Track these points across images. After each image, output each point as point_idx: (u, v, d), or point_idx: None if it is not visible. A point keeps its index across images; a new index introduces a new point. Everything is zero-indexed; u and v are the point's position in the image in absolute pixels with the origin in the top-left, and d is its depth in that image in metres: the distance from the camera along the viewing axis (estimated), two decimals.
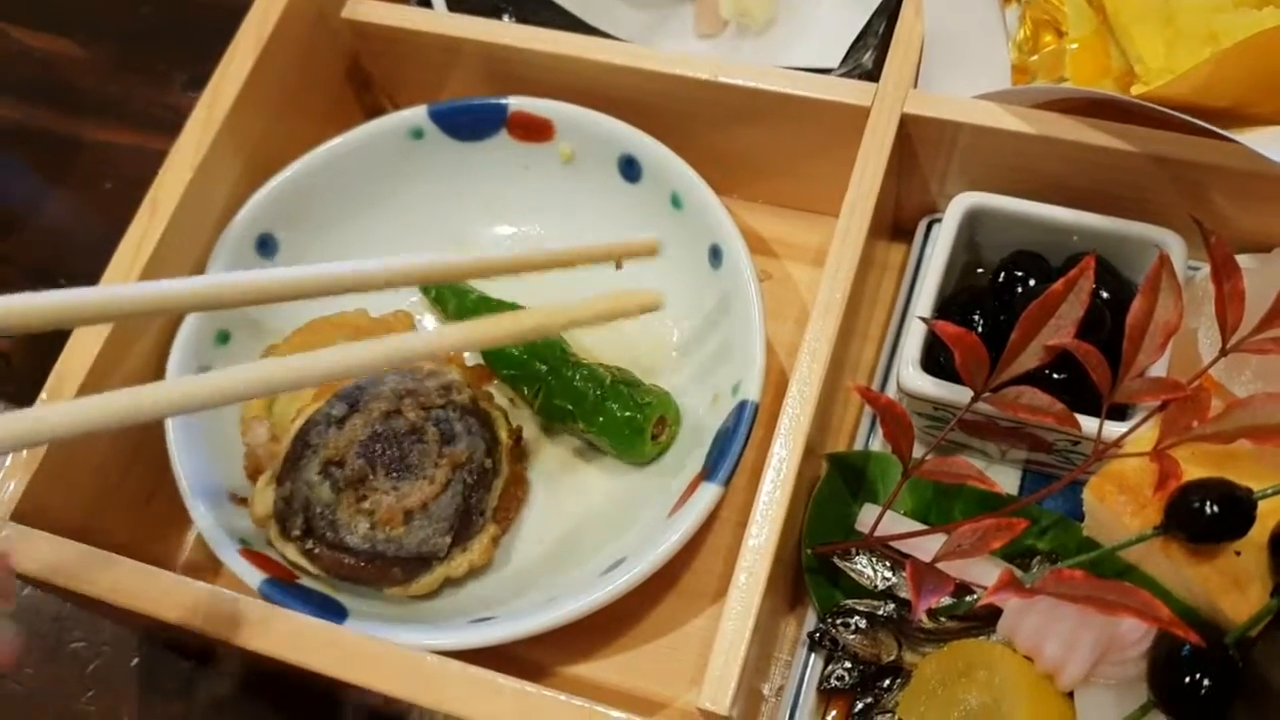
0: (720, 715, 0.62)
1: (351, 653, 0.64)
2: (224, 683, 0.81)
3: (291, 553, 0.73)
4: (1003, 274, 0.74)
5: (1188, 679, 0.60)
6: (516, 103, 0.85)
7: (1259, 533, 0.61)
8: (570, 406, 0.79)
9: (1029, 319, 0.66)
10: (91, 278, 0.77)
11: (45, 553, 0.69)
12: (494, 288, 0.86)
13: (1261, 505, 0.61)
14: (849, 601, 0.71)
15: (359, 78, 0.93)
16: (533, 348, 0.80)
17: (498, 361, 0.81)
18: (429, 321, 0.87)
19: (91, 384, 0.74)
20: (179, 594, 0.67)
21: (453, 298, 0.85)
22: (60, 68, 1.12)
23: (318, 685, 0.77)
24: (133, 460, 0.78)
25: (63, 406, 0.51)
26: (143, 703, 0.81)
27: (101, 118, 1.07)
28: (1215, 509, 0.60)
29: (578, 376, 0.79)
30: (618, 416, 0.77)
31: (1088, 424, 0.66)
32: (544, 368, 0.80)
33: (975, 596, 0.68)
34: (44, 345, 0.76)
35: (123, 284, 0.70)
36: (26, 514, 0.71)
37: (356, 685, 0.64)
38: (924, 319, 0.70)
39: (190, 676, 0.81)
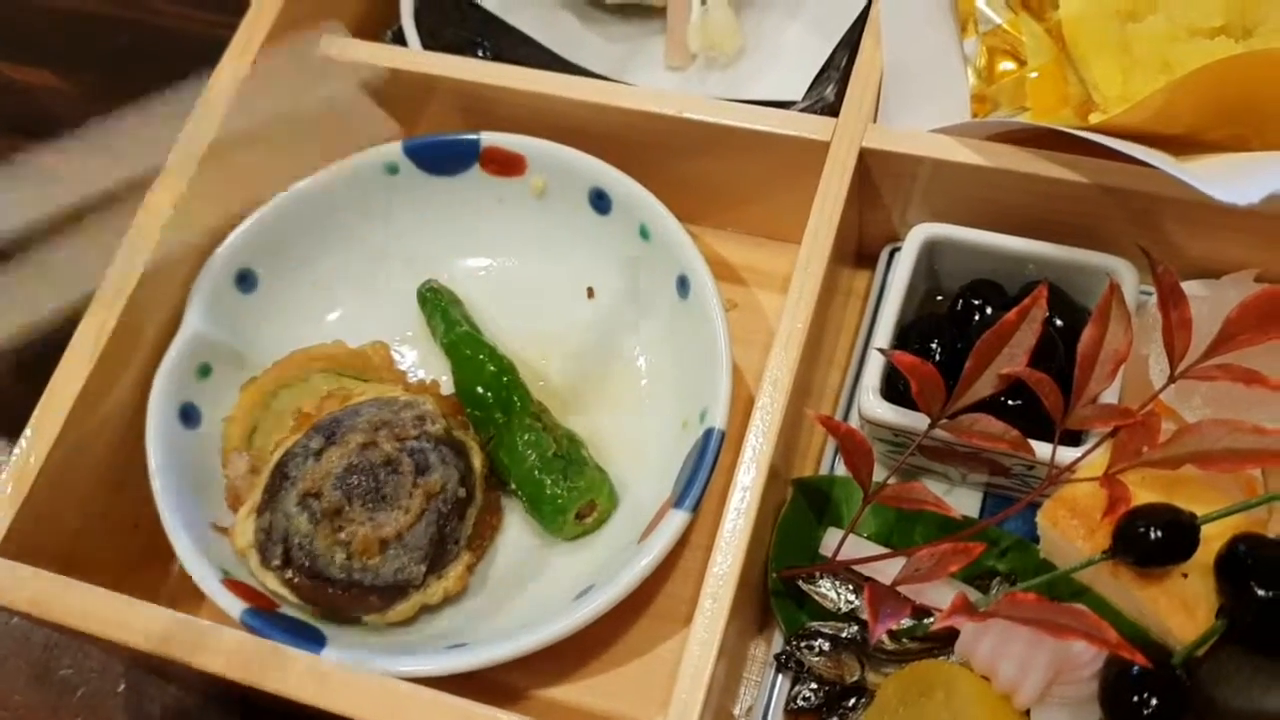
0: None
1: (328, 682, 0.66)
2: (210, 709, 0.82)
3: (271, 582, 0.75)
4: (960, 302, 0.77)
5: (1136, 698, 0.61)
6: (489, 138, 0.87)
7: (1205, 556, 0.63)
8: (508, 465, 0.80)
9: (983, 348, 0.68)
10: (74, 310, 0.78)
11: (29, 586, 0.70)
12: (478, 317, 0.88)
13: (1207, 529, 0.63)
14: (814, 624, 0.73)
15: None
16: (500, 396, 0.81)
17: (466, 400, 0.83)
18: (408, 347, 0.89)
19: (76, 418, 0.75)
20: (158, 625, 0.68)
21: (441, 323, 0.86)
22: (41, 98, 1.13)
23: (303, 712, 0.79)
24: (117, 493, 0.79)
25: None
26: None
27: (82, 148, 1.08)
28: (1160, 534, 0.62)
29: (523, 439, 0.80)
30: (545, 492, 0.79)
31: (1041, 450, 0.68)
32: (501, 418, 0.81)
33: (934, 618, 0.70)
34: (29, 381, 0.78)
35: None
36: (12, 547, 0.72)
37: (333, 713, 0.66)
38: (881, 350, 0.72)
39: (176, 702, 0.83)
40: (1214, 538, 0.63)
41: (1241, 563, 0.62)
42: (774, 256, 0.90)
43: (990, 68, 0.83)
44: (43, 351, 0.77)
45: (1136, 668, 0.61)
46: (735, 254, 0.91)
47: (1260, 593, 0.60)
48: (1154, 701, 0.61)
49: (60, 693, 0.84)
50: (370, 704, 0.65)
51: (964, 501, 0.78)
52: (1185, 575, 0.64)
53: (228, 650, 0.67)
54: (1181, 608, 0.63)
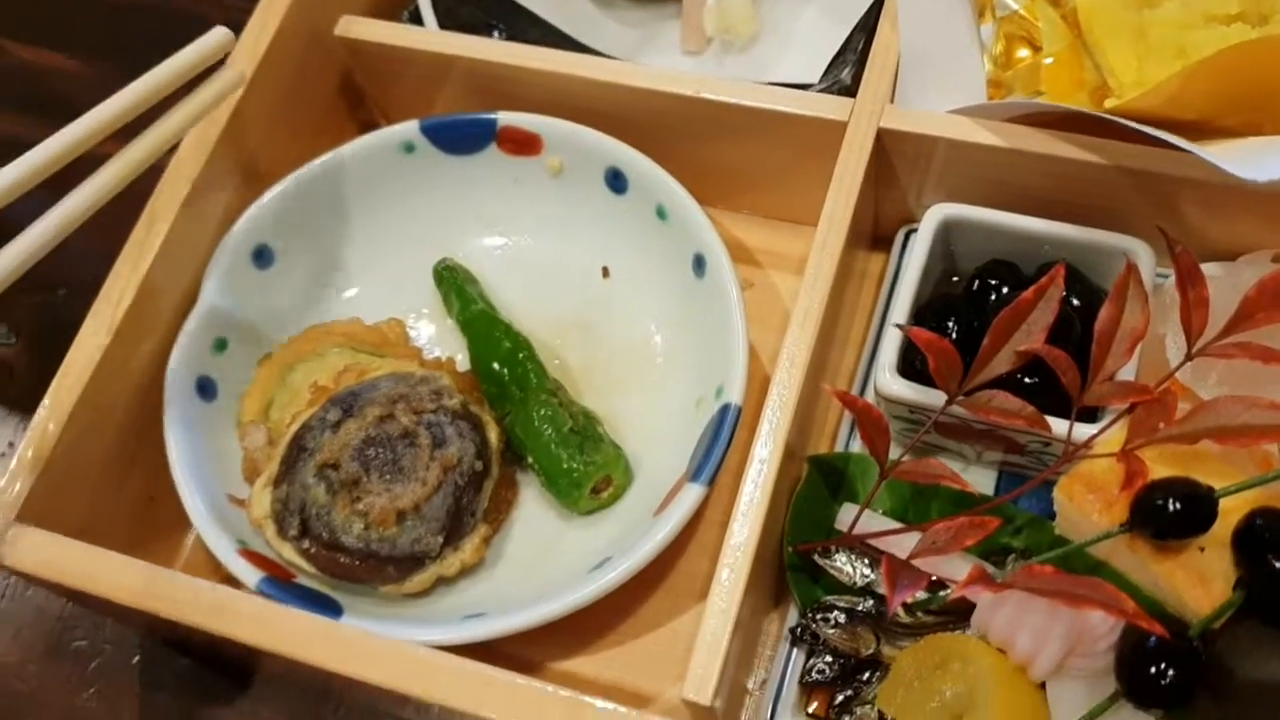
0: (703, 706, 0.64)
1: (347, 646, 0.66)
2: (223, 680, 0.83)
3: (288, 552, 0.75)
4: (977, 282, 0.77)
5: (1153, 670, 0.62)
6: (506, 117, 0.87)
7: (1222, 530, 0.63)
8: (524, 439, 0.81)
9: (1001, 325, 0.68)
10: (92, 287, 0.79)
11: (50, 552, 0.71)
12: (493, 296, 0.89)
13: (1224, 503, 0.63)
14: (829, 598, 0.74)
15: (352, 93, 0.95)
16: (516, 373, 0.82)
17: (482, 376, 0.83)
18: (424, 325, 0.90)
19: (93, 391, 0.76)
20: (180, 591, 0.69)
21: (457, 300, 0.87)
22: (55, 81, 1.13)
23: (315, 682, 0.79)
24: (133, 465, 0.80)
25: None
26: (144, 699, 0.83)
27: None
28: (1178, 506, 0.62)
29: (539, 414, 0.80)
30: (562, 466, 0.79)
31: (1058, 426, 0.69)
32: (518, 393, 0.81)
33: (949, 591, 0.70)
34: (47, 354, 0.78)
35: None
36: (31, 516, 0.72)
37: (352, 679, 0.66)
38: (899, 326, 0.72)
39: (189, 674, 0.83)
40: (1230, 512, 0.63)
41: (1259, 536, 0.62)
42: (790, 239, 0.91)
43: (1008, 54, 0.84)
44: (58, 331, 0.77)
45: (1153, 639, 0.62)
46: (751, 236, 0.92)
47: (1278, 565, 0.61)
48: (1170, 673, 0.61)
49: (75, 664, 0.84)
50: (390, 669, 0.65)
51: (979, 480, 0.79)
52: (1202, 549, 0.64)
53: (248, 616, 0.68)
54: (1198, 581, 0.64)
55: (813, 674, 0.73)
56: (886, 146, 0.80)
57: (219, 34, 0.78)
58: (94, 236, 0.74)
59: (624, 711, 0.63)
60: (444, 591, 0.78)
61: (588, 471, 0.79)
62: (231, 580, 0.73)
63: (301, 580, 0.76)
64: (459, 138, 0.88)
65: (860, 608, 0.73)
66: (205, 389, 0.81)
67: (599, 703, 0.63)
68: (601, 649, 0.79)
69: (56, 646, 0.85)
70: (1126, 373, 0.70)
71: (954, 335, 0.74)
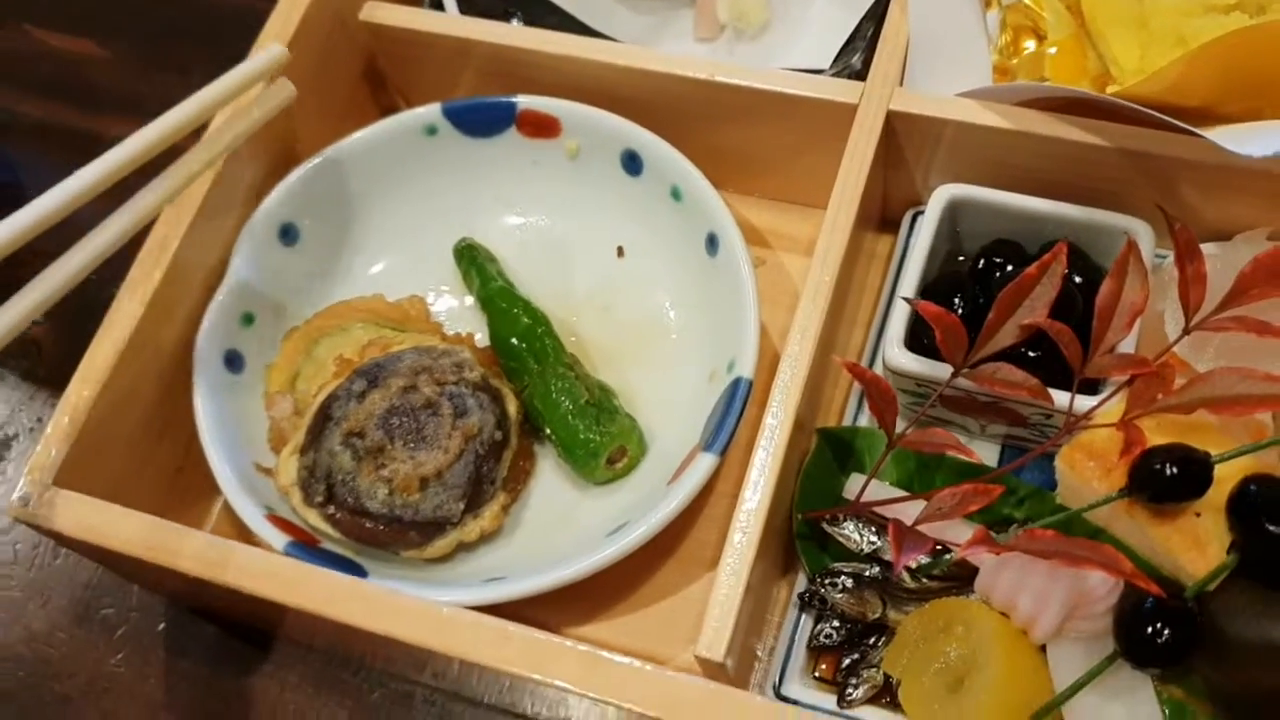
0: (716, 662, 0.67)
1: (374, 605, 0.68)
2: (247, 646, 0.85)
3: (314, 518, 0.77)
4: (982, 260, 0.79)
5: (1150, 630, 0.64)
6: (525, 101, 0.90)
7: (1217, 496, 0.65)
8: (542, 411, 0.83)
9: (1005, 299, 0.70)
10: (121, 266, 0.80)
11: (86, 514, 0.73)
12: (511, 274, 0.91)
13: (1220, 470, 0.65)
14: (837, 564, 0.76)
15: (375, 77, 0.98)
16: (534, 347, 0.84)
17: (501, 351, 0.86)
18: (444, 302, 0.92)
19: (122, 368, 0.78)
20: (213, 552, 0.71)
21: (477, 277, 0.89)
22: (82, 67, 1.16)
23: (336, 648, 0.81)
24: (163, 434, 0.82)
25: None
26: (169, 665, 0.85)
27: (123, 115, 1.10)
28: (1175, 470, 0.65)
29: (556, 386, 0.82)
30: (579, 436, 0.81)
31: (1060, 398, 0.71)
32: (536, 367, 0.83)
33: (952, 555, 0.73)
34: (75, 332, 0.80)
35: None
36: (65, 482, 0.74)
37: (374, 639, 0.68)
38: (907, 299, 0.75)
39: (214, 640, 0.85)
40: (1225, 479, 0.65)
41: (1253, 501, 0.64)
42: (800, 221, 0.93)
43: (1014, 43, 0.86)
44: (85, 310, 0.80)
45: (1150, 601, 0.64)
46: (762, 219, 0.94)
47: (1271, 529, 0.63)
48: (1167, 633, 0.63)
49: (102, 630, 0.87)
50: (412, 625, 0.67)
51: (983, 453, 0.81)
52: (1198, 514, 0.66)
53: (276, 573, 0.70)
54: (1194, 544, 0.66)
55: (820, 638, 0.75)
56: (895, 129, 0.82)
57: (274, 51, 0.82)
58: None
59: (636, 665, 0.65)
60: (464, 557, 0.80)
61: (603, 442, 0.81)
62: (259, 546, 0.76)
63: (326, 545, 0.78)
64: (479, 120, 0.91)
65: (867, 574, 0.75)
66: (233, 362, 0.84)
67: (616, 657, 0.65)
68: (615, 615, 0.81)
69: (84, 614, 0.88)
70: (1126, 346, 0.72)
71: (960, 311, 0.76)
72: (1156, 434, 0.68)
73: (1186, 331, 0.69)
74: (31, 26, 1.19)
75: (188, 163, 0.79)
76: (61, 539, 0.74)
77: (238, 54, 0.87)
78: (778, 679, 0.75)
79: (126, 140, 0.74)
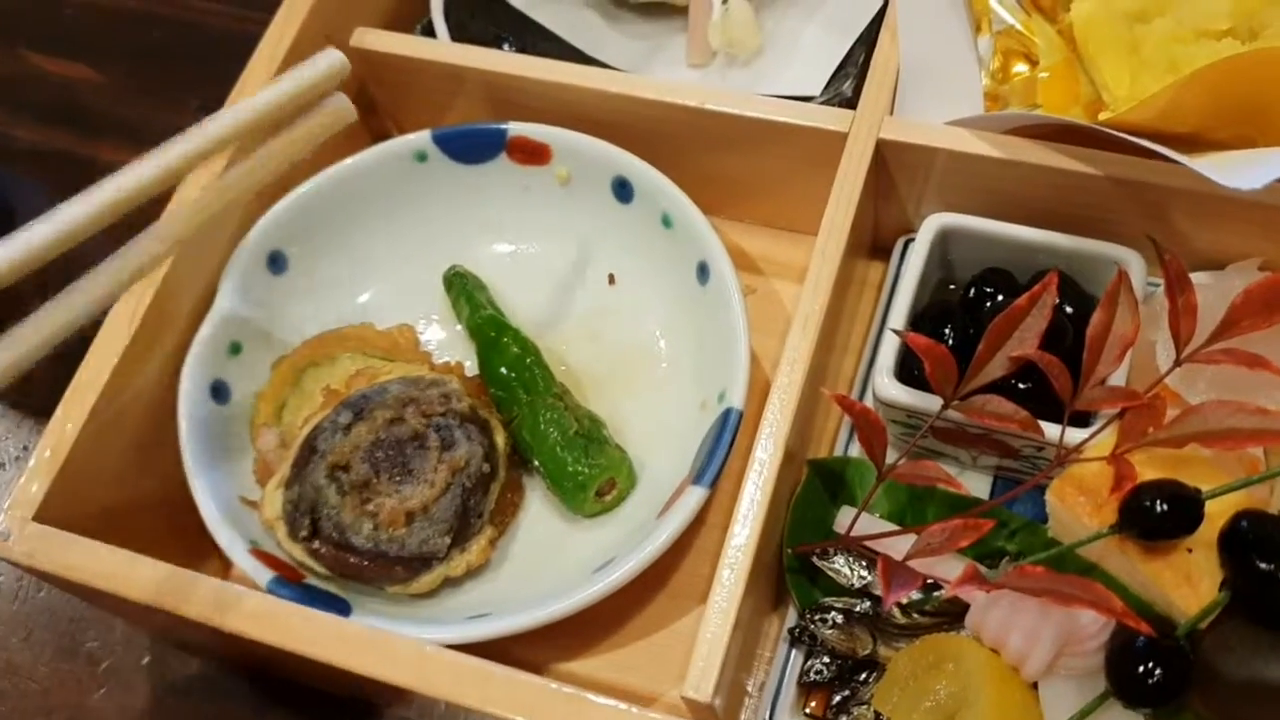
0: (703, 704, 0.66)
1: (353, 643, 0.68)
2: (232, 680, 0.84)
3: (298, 553, 0.77)
4: (973, 290, 0.79)
5: (1141, 669, 0.63)
6: (516, 128, 0.89)
7: (1209, 532, 0.65)
8: (531, 442, 0.82)
9: (995, 331, 0.70)
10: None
11: (67, 551, 0.72)
12: (501, 302, 0.90)
13: (1211, 506, 0.64)
14: (827, 599, 0.75)
15: (365, 103, 0.97)
16: (523, 377, 0.84)
17: (489, 380, 0.85)
18: (433, 331, 0.91)
19: (109, 395, 0.77)
20: (193, 589, 0.70)
21: (466, 305, 0.89)
22: (76, 91, 1.15)
23: (323, 681, 0.81)
24: (147, 469, 0.81)
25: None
26: (153, 699, 0.85)
27: (117, 140, 1.11)
28: (1165, 507, 0.64)
29: (545, 418, 0.81)
30: (568, 469, 0.80)
31: (1050, 430, 0.70)
32: (525, 397, 0.83)
33: (943, 591, 0.72)
34: (61, 360, 0.79)
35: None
36: (47, 516, 0.74)
37: (357, 676, 0.68)
38: (896, 331, 0.74)
39: (199, 675, 0.85)
40: (1217, 515, 0.64)
41: (1245, 537, 0.63)
42: (791, 247, 0.93)
43: (1005, 68, 0.85)
44: (72, 337, 0.79)
45: (1141, 639, 0.63)
46: (753, 245, 0.93)
47: (1263, 566, 0.62)
48: (1158, 672, 0.63)
49: (86, 664, 0.86)
50: (393, 665, 0.67)
51: (974, 486, 0.80)
52: (1189, 550, 0.65)
53: (257, 613, 0.69)
54: (1185, 581, 0.65)
55: (811, 674, 0.74)
56: (885, 157, 0.82)
57: (333, 57, 0.72)
58: (111, 244, 0.76)
59: (623, 708, 0.64)
60: (450, 592, 0.80)
61: (592, 474, 0.80)
62: (242, 581, 0.75)
63: (311, 580, 0.77)
64: (470, 147, 0.90)
65: (858, 609, 0.74)
66: (219, 392, 0.83)
67: (599, 699, 0.65)
68: (604, 650, 0.80)
69: (68, 647, 0.87)
70: (1117, 378, 0.71)
71: (950, 341, 0.76)
72: (1148, 467, 0.68)
73: (1178, 363, 0.69)
74: (26, 51, 1.19)
75: (234, 184, 0.72)
76: (41, 575, 0.73)
77: (231, 77, 0.87)
78: (768, 715, 0.74)
79: (142, 160, 0.67)
